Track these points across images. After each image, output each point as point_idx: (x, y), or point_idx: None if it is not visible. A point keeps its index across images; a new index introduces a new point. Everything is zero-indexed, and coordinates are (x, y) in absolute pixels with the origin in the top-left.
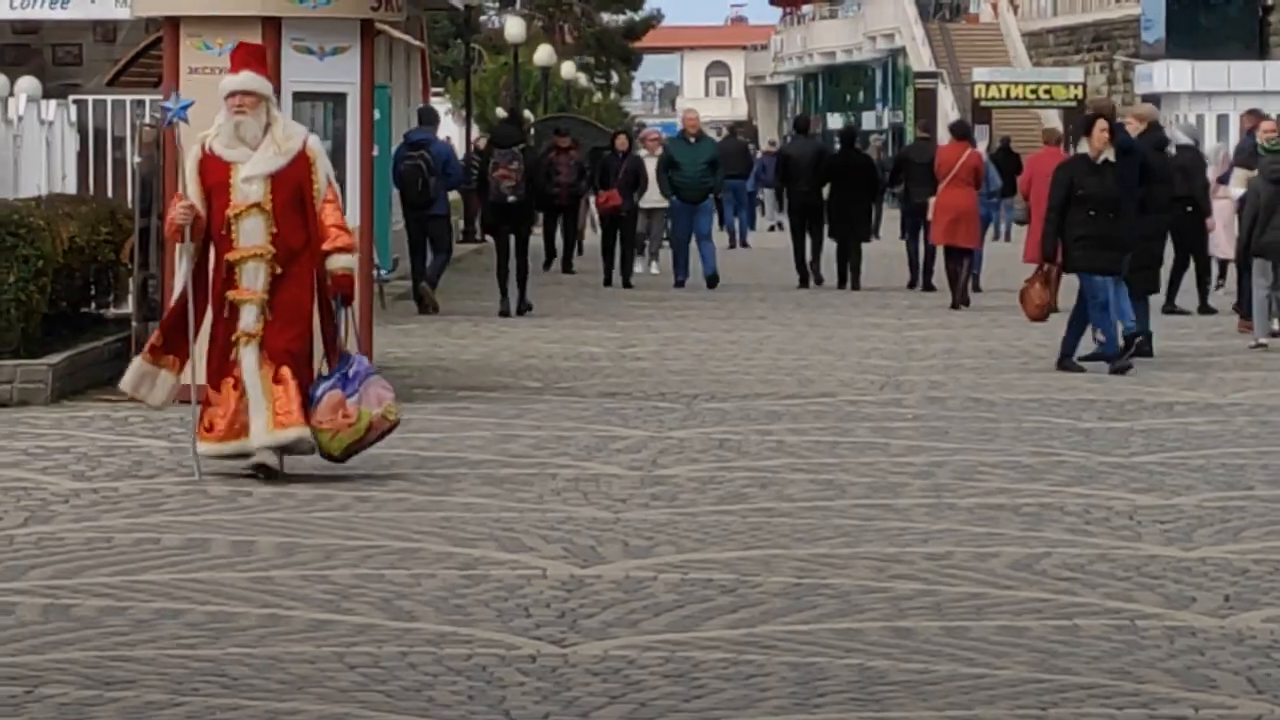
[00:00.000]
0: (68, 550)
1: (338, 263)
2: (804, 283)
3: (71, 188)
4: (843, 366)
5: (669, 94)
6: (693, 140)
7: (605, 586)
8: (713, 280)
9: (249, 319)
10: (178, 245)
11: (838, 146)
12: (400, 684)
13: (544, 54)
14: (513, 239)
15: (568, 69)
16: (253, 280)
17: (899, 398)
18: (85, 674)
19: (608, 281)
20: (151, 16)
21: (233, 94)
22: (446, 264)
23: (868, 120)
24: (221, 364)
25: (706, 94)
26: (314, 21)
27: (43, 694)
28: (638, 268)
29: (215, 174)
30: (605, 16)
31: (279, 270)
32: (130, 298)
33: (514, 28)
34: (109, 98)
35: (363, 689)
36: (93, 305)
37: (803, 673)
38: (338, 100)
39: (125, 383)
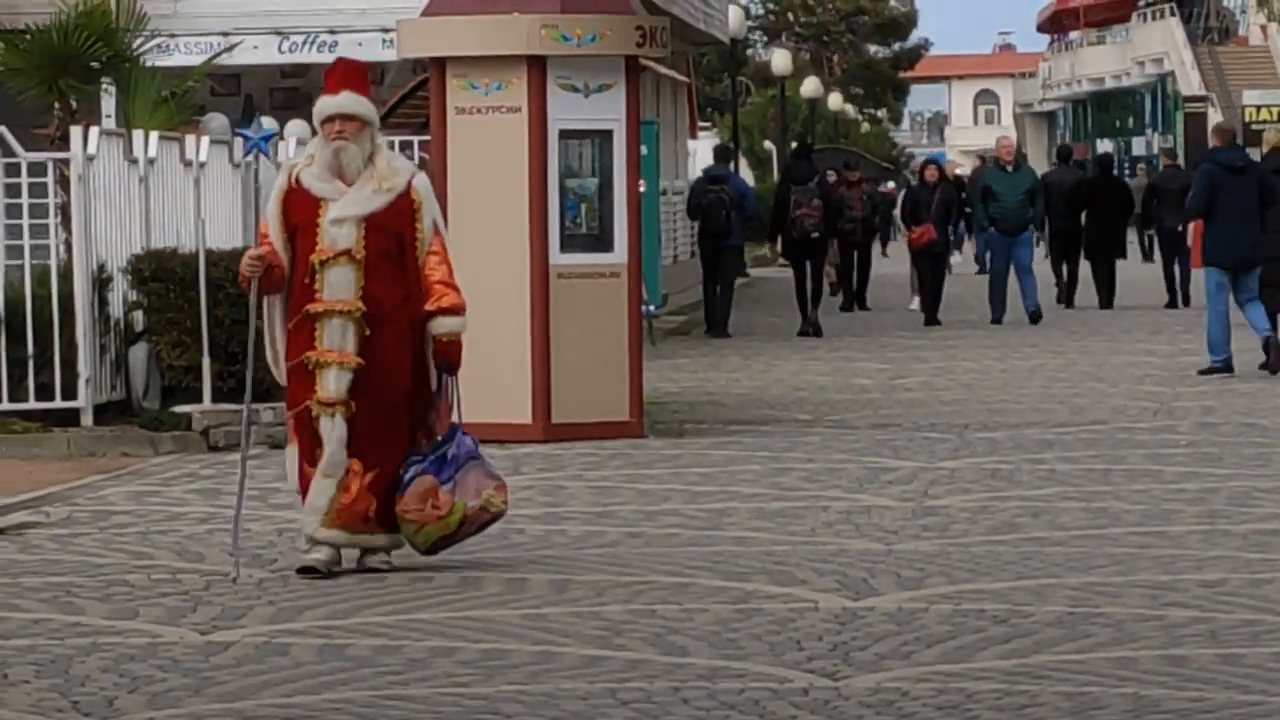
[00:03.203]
0: (342, 591)
1: (443, 326)
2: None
3: None
4: (1114, 394)
5: (937, 123)
6: (1010, 169)
7: (878, 619)
8: (1035, 316)
9: (329, 385)
10: (251, 299)
11: (1097, 172)
12: (673, 719)
13: (811, 86)
14: (809, 265)
15: (835, 100)
16: (338, 340)
17: (1172, 424)
18: (360, 713)
19: (929, 321)
20: (418, 58)
21: (330, 118)
22: (731, 295)
23: (1137, 145)
24: (308, 435)
25: (975, 122)
26: (579, 59)
27: None
28: (912, 304)
29: (302, 211)
30: (872, 47)
31: (368, 331)
32: None
33: (781, 60)
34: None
35: None
36: None
37: (1077, 703)
38: (604, 137)
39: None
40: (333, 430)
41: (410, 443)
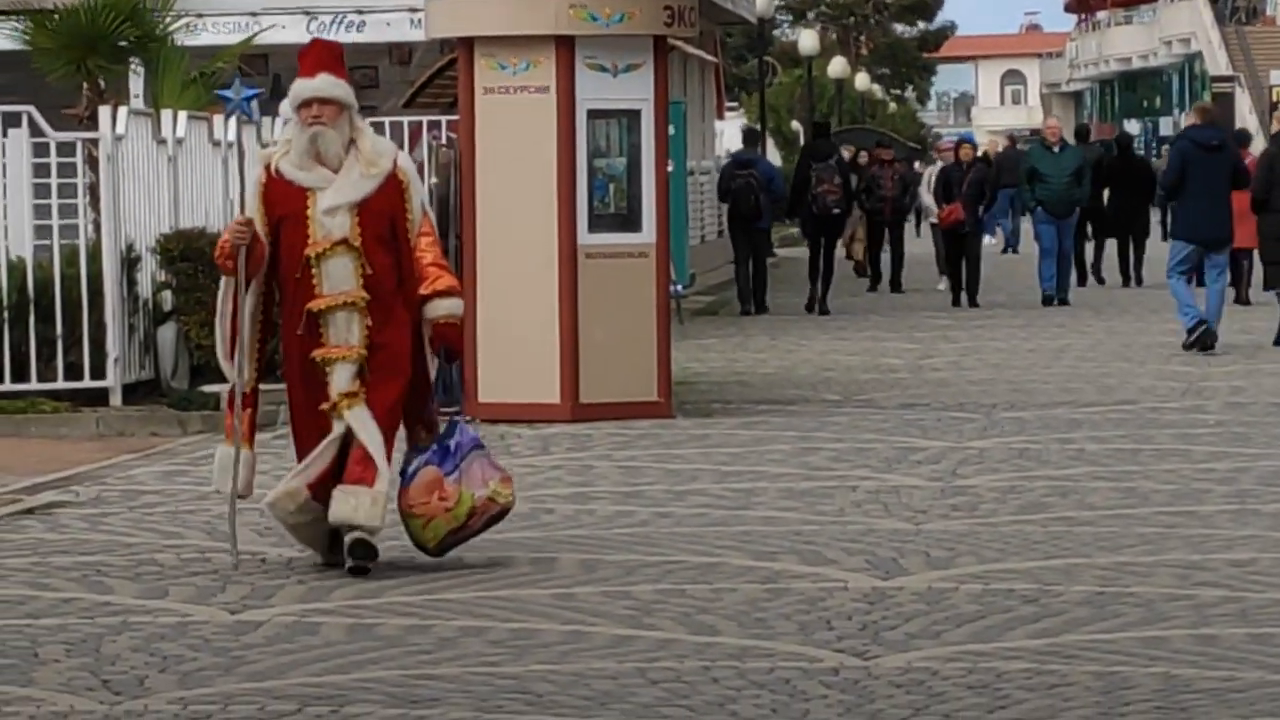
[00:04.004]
0: (372, 571)
1: (440, 309)
2: (1081, 281)
3: None
4: (1143, 373)
5: (964, 103)
6: (1056, 149)
7: (907, 598)
8: (1053, 300)
9: (343, 379)
10: (221, 289)
11: (1115, 153)
12: (703, 698)
13: (838, 66)
14: (823, 241)
15: (862, 80)
16: (344, 334)
17: (1200, 404)
18: (390, 693)
19: (956, 302)
20: (446, 38)
21: (307, 103)
22: (766, 272)
23: (1165, 126)
24: (315, 443)
25: (1001, 102)
26: (607, 39)
27: (349, 713)
28: (940, 285)
29: (286, 203)
30: (899, 28)
31: (370, 321)
32: None
33: (808, 40)
34: (405, 119)
35: (665, 704)
36: None
37: (1107, 682)
38: (632, 117)
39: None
40: (362, 414)
41: (412, 432)
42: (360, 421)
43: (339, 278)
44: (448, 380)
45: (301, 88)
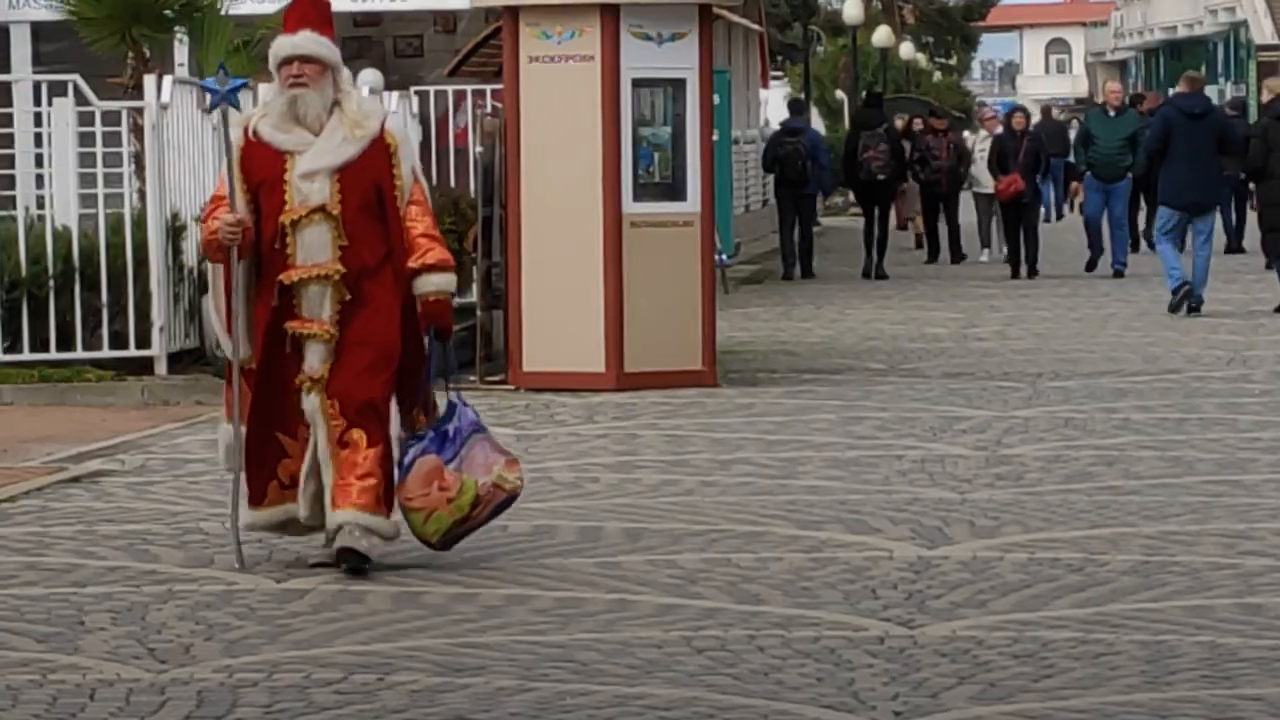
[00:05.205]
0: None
1: (430, 284)
2: (1134, 248)
3: None
4: (1188, 342)
5: (1009, 73)
6: (1113, 114)
7: (952, 567)
8: (1118, 273)
9: (315, 359)
10: (211, 267)
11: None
12: (748, 667)
13: (883, 35)
14: (876, 210)
15: (907, 49)
16: (317, 308)
17: (1246, 373)
18: (436, 661)
19: (1015, 274)
20: (490, 6)
21: (288, 60)
22: (812, 238)
23: (1210, 95)
24: (287, 418)
25: (1047, 71)
26: (653, 8)
27: (394, 681)
28: (983, 256)
29: (264, 167)
30: None
31: (348, 296)
32: (474, 286)
33: (852, 9)
34: (450, 88)
35: (711, 672)
36: None
37: (1153, 651)
38: (677, 86)
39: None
40: (315, 407)
41: (408, 418)
42: (311, 411)
43: (315, 248)
44: (441, 362)
45: (281, 45)
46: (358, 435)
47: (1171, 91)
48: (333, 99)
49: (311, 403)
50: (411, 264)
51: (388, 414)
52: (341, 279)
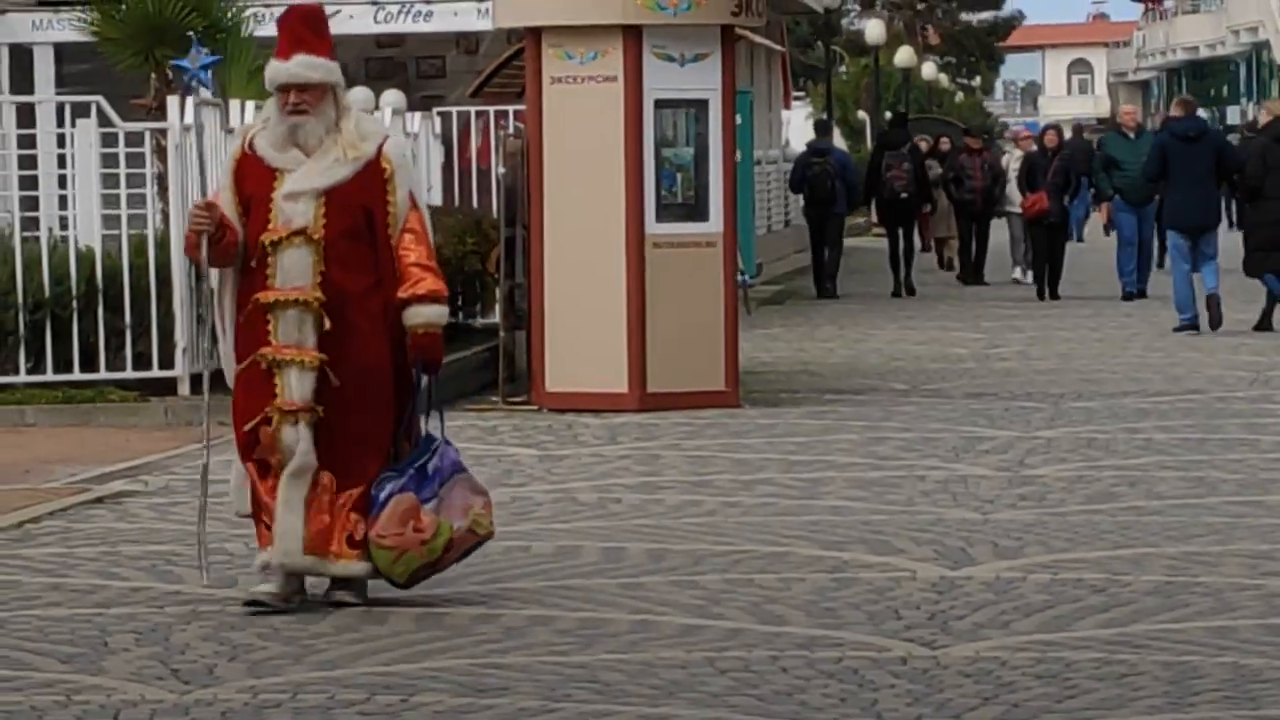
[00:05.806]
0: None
1: (420, 316)
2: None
3: (437, 199)
4: (1211, 363)
5: (1031, 93)
6: (1132, 136)
7: (975, 588)
8: (1138, 294)
9: (291, 388)
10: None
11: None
12: (771, 688)
13: (905, 55)
14: (901, 229)
15: (929, 70)
16: (294, 334)
17: (1269, 394)
18: (459, 682)
19: (1041, 295)
20: (513, 28)
21: (285, 88)
22: (839, 258)
23: (1232, 115)
24: (264, 449)
25: (1069, 92)
26: (675, 29)
27: (418, 702)
28: (1015, 273)
29: (255, 182)
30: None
31: (328, 325)
32: (497, 307)
33: (874, 29)
34: (472, 109)
35: (734, 693)
36: (460, 315)
37: (1176, 672)
38: (699, 106)
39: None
40: (298, 440)
41: (393, 451)
42: (291, 444)
43: (294, 272)
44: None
45: (276, 72)
46: (327, 480)
47: (1260, 117)
48: (334, 119)
49: (304, 436)
50: (401, 294)
51: (376, 451)
52: (321, 306)
